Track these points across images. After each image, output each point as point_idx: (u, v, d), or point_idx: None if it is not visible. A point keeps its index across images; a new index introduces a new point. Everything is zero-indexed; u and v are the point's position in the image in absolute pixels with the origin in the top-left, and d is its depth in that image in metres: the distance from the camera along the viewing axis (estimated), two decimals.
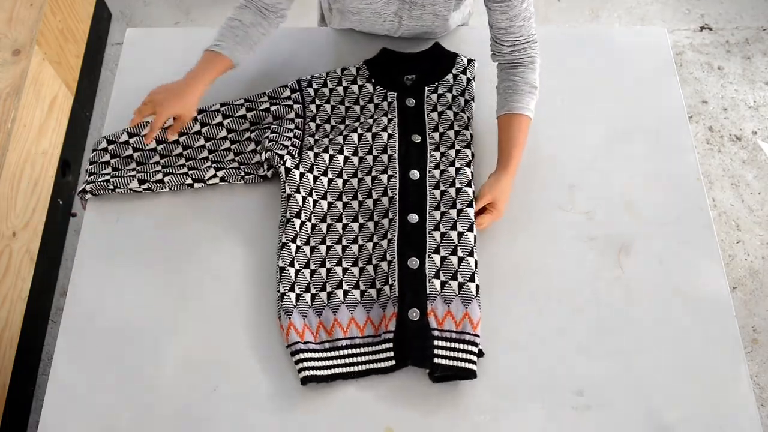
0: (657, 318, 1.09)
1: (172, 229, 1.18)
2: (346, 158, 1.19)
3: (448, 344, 1.03)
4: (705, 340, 1.08)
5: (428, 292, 1.06)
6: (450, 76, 1.26)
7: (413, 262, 1.08)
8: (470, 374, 1.02)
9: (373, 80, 1.26)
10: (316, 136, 1.21)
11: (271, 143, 1.17)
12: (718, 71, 2.34)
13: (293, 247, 1.11)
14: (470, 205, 1.12)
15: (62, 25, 2.02)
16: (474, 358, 1.03)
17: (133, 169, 1.22)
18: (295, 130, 1.20)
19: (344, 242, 1.13)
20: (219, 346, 1.08)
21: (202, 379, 1.05)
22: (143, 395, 1.04)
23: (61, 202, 2.02)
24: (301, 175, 1.15)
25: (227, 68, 1.17)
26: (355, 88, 1.26)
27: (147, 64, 1.36)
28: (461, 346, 1.03)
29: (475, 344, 1.03)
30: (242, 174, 1.19)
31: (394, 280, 1.07)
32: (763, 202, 2.09)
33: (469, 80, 1.27)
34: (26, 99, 1.78)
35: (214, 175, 1.19)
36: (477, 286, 1.07)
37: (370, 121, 1.22)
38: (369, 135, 1.20)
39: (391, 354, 1.03)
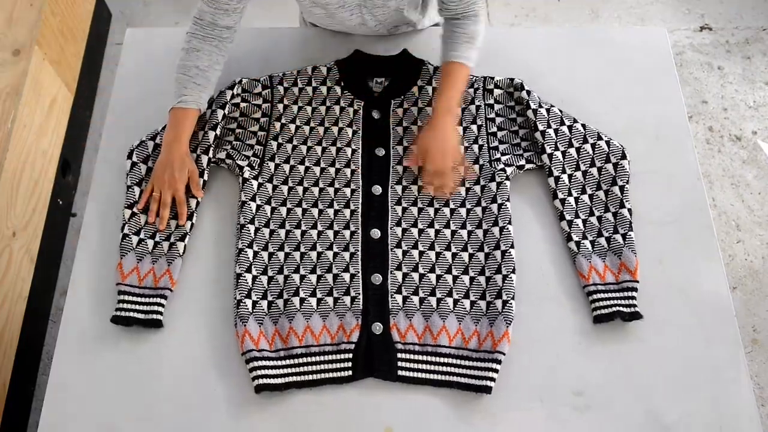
0: (657, 318, 1.09)
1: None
2: (308, 168, 1.20)
3: (412, 356, 1.05)
4: (705, 340, 1.08)
5: (390, 307, 1.08)
6: (415, 89, 1.27)
7: (376, 278, 1.10)
8: (443, 384, 1.04)
9: (342, 83, 1.27)
10: (280, 139, 1.21)
11: (234, 151, 1.18)
12: (718, 71, 2.34)
13: (250, 252, 1.11)
14: (431, 225, 1.15)
15: (62, 25, 2.02)
16: (445, 369, 1.04)
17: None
18: (259, 133, 1.22)
19: (302, 249, 1.13)
20: (219, 346, 1.08)
21: (202, 380, 1.05)
22: (143, 395, 1.05)
23: (61, 202, 2.02)
24: (259, 185, 1.17)
25: (197, 117, 1.18)
26: (323, 89, 1.27)
27: (147, 64, 1.36)
28: (425, 357, 1.05)
29: (443, 355, 1.05)
30: None
31: (358, 294, 1.09)
32: (763, 202, 2.09)
33: (435, 89, 1.27)
34: (26, 99, 1.78)
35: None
36: (438, 300, 1.08)
37: (335, 130, 1.23)
38: (333, 149, 1.21)
39: (349, 365, 1.04)
